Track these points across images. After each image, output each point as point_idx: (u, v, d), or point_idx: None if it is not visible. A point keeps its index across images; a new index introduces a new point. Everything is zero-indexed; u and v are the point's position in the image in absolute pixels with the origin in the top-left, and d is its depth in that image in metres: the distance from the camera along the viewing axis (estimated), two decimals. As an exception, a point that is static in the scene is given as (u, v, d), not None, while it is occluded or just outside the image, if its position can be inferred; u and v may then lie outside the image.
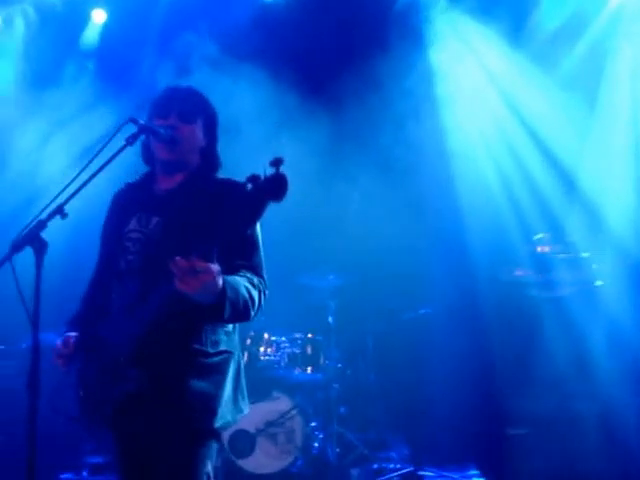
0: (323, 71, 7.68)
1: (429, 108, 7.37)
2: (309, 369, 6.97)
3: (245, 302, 3.24)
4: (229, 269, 3.21)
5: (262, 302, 3.39)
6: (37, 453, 3.02)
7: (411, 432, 7.23)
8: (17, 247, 3.11)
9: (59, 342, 3.53)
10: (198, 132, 3.58)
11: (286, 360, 6.92)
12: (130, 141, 3.31)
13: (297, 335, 7.05)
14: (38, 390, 3.07)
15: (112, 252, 3.56)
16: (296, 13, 7.68)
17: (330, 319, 7.11)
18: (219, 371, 3.40)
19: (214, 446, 3.42)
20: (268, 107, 7.33)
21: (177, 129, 3.48)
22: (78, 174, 3.20)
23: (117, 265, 3.50)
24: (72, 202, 3.19)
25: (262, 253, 3.50)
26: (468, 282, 7.08)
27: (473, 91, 7.48)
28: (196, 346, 3.35)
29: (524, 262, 7.12)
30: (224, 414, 3.39)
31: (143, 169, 3.72)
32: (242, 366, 3.57)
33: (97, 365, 3.40)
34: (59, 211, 3.15)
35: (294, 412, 6.65)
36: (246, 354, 6.76)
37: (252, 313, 3.32)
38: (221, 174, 3.65)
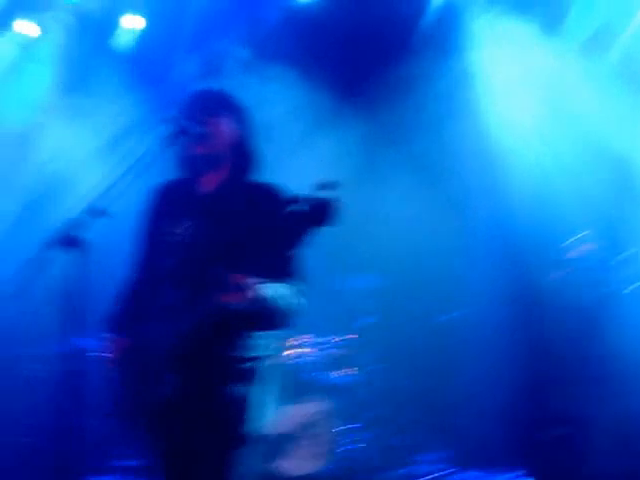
0: (356, 72, 7.68)
1: (464, 110, 7.33)
2: (344, 371, 6.96)
3: (286, 310, 3.30)
4: (271, 274, 3.23)
5: (301, 307, 3.42)
6: (65, 456, 3.04)
7: (448, 435, 7.20)
8: (55, 247, 3.14)
9: (107, 344, 3.58)
10: (227, 124, 3.61)
11: (321, 362, 6.91)
12: (167, 142, 3.36)
13: (332, 337, 7.03)
14: (73, 396, 3.11)
15: (155, 254, 3.60)
16: (328, 14, 7.67)
17: (366, 321, 7.11)
18: (255, 376, 3.44)
19: (248, 450, 3.44)
20: (301, 109, 7.36)
21: (205, 124, 3.52)
22: (118, 176, 3.25)
23: (159, 268, 3.54)
24: (112, 203, 3.23)
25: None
26: (503, 285, 7.04)
27: (511, 90, 7.44)
28: (234, 352, 3.39)
29: (567, 261, 7.07)
30: (258, 419, 3.42)
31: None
32: (276, 370, 3.59)
33: (137, 367, 3.44)
34: (100, 211, 3.19)
35: (328, 414, 6.65)
36: (282, 355, 6.77)
37: (292, 319, 3.38)
38: (259, 175, 3.68)
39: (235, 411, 3.38)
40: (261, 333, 3.47)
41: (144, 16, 7.93)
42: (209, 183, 3.62)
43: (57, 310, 3.10)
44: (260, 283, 3.10)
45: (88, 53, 7.94)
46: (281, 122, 7.24)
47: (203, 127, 3.51)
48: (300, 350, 6.86)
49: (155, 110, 7.28)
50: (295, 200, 2.88)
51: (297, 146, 7.25)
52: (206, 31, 7.78)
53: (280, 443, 6.51)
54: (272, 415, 3.52)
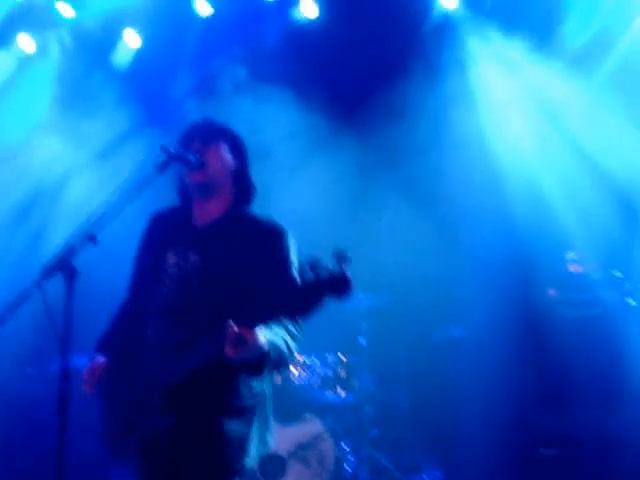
0: (352, 96, 7.71)
1: (459, 132, 7.33)
2: (341, 391, 6.93)
3: (284, 357, 3.31)
4: (268, 314, 3.20)
5: (296, 350, 3.44)
6: (65, 476, 3.04)
7: (444, 455, 7.19)
8: (48, 273, 3.15)
9: (87, 367, 3.57)
10: (224, 153, 3.61)
11: (318, 382, 6.87)
12: (161, 169, 3.36)
13: (329, 357, 6.99)
14: (67, 417, 3.10)
15: (148, 284, 3.59)
16: (325, 36, 7.69)
17: (362, 340, 7.10)
18: (252, 412, 3.46)
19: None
20: (297, 131, 7.37)
21: (202, 152, 3.52)
22: (110, 202, 3.24)
23: (152, 298, 3.53)
24: (105, 227, 3.23)
25: None
26: (500, 303, 7.02)
27: (507, 109, 7.45)
28: (233, 390, 3.40)
29: (557, 282, 7.06)
30: (254, 452, 3.44)
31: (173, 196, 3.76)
32: (270, 402, 3.61)
33: (127, 395, 3.44)
34: (91, 238, 3.18)
35: (326, 435, 6.61)
36: (278, 376, 6.75)
37: (288, 364, 3.39)
38: (255, 202, 3.69)
39: (232, 448, 3.38)
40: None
41: (142, 34, 7.93)
42: (207, 213, 3.61)
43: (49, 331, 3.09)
44: (261, 331, 3.11)
45: (86, 71, 7.94)
46: (277, 144, 7.26)
47: (201, 155, 3.51)
48: (295, 370, 6.84)
49: (154, 130, 7.30)
50: (314, 265, 2.86)
51: (293, 169, 7.25)
52: (204, 50, 7.79)
53: (276, 463, 6.49)
54: (263, 446, 3.52)
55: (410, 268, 7.10)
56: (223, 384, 3.37)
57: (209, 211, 3.61)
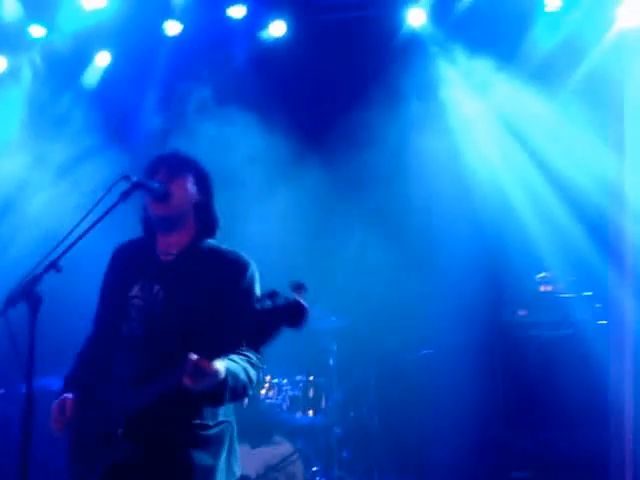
0: (316, 120, 7.76)
1: (420, 159, 7.36)
2: (311, 412, 6.92)
3: (244, 387, 3.32)
4: (230, 345, 3.20)
5: (259, 379, 3.46)
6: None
7: (415, 476, 7.19)
8: (11, 302, 3.14)
9: (55, 405, 3.54)
10: (189, 185, 3.61)
11: (287, 403, 6.87)
12: (124, 197, 3.36)
13: (298, 378, 7.00)
14: (30, 442, 3.10)
15: (114, 316, 3.60)
16: (293, 58, 7.71)
17: (332, 361, 7.10)
18: (218, 442, 3.47)
19: None
20: (262, 156, 7.38)
21: (167, 184, 3.52)
22: (72, 229, 3.24)
23: (119, 331, 3.54)
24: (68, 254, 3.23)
25: None
26: (470, 323, 7.05)
27: (475, 130, 7.50)
28: (197, 420, 3.40)
29: (527, 302, 7.10)
30: None
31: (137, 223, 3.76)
32: (235, 430, 3.60)
33: (92, 429, 3.43)
34: (53, 266, 3.18)
35: (295, 456, 6.59)
36: (247, 398, 6.73)
37: (249, 394, 3.40)
38: (220, 229, 3.70)
39: (195, 477, 3.37)
40: None
41: (112, 53, 7.93)
42: (171, 246, 3.61)
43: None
44: (221, 362, 3.12)
45: (56, 90, 7.92)
46: (241, 168, 7.27)
47: (165, 187, 3.51)
48: (265, 392, 6.83)
49: (122, 153, 7.29)
50: (272, 295, 2.89)
51: (258, 194, 7.26)
52: (171, 70, 7.80)
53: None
54: (231, 476, 3.52)
55: (379, 290, 7.13)
56: (187, 414, 3.37)
57: (173, 243, 3.61)
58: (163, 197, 3.50)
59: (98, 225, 3.29)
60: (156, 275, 3.55)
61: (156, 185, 3.47)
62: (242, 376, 3.29)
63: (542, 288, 7.11)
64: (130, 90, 7.84)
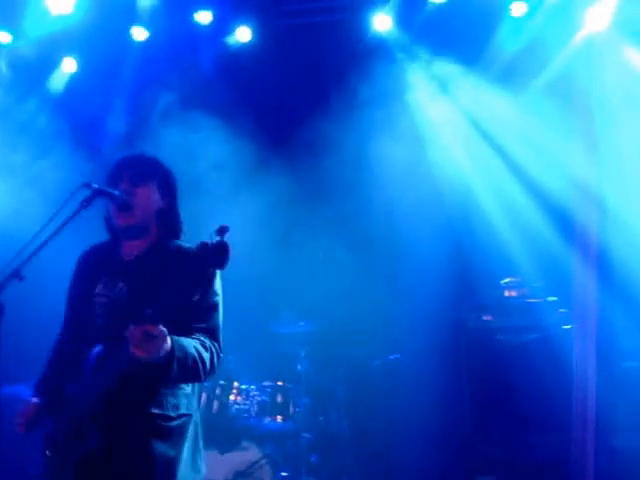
0: (282, 126, 7.78)
1: (385, 165, 7.37)
2: (279, 418, 6.91)
3: (194, 361, 3.34)
4: (185, 331, 3.29)
5: (215, 364, 3.49)
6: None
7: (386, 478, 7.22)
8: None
9: (20, 409, 3.60)
10: (153, 194, 3.65)
11: (256, 409, 6.86)
12: (84, 205, 3.37)
13: (267, 383, 7.00)
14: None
15: (80, 315, 3.64)
16: (258, 64, 7.73)
17: (300, 367, 7.11)
18: (180, 434, 3.49)
19: None
20: (227, 161, 7.39)
21: (130, 194, 3.54)
22: (34, 237, 3.25)
23: (85, 329, 3.58)
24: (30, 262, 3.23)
25: (220, 317, 3.58)
26: (436, 328, 7.09)
27: (441, 134, 7.54)
28: (157, 410, 3.43)
29: (493, 307, 7.13)
30: (184, 476, 3.46)
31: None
32: (200, 427, 3.65)
33: (64, 424, 3.45)
34: (15, 274, 3.18)
35: (264, 462, 6.59)
36: (216, 403, 6.72)
37: (202, 373, 3.41)
38: (184, 233, 3.74)
39: (160, 470, 3.40)
40: (184, 392, 3.54)
41: (78, 59, 7.89)
42: (135, 248, 3.65)
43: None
44: (166, 334, 3.14)
45: (21, 97, 7.86)
46: (206, 173, 7.28)
47: (128, 197, 3.54)
48: (233, 397, 6.82)
49: (84, 156, 7.26)
50: (202, 246, 3.00)
51: (223, 199, 7.26)
52: (137, 76, 7.78)
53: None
54: (195, 472, 3.55)
55: (346, 295, 7.15)
56: (147, 403, 3.40)
57: (136, 247, 3.66)
58: (126, 208, 3.53)
59: (62, 232, 3.30)
60: (119, 273, 3.60)
61: (117, 193, 3.49)
62: (191, 350, 3.33)
63: (507, 293, 7.14)
64: (96, 96, 7.80)
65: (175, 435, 3.46)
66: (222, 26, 7.73)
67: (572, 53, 6.96)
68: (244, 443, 6.66)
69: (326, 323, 7.12)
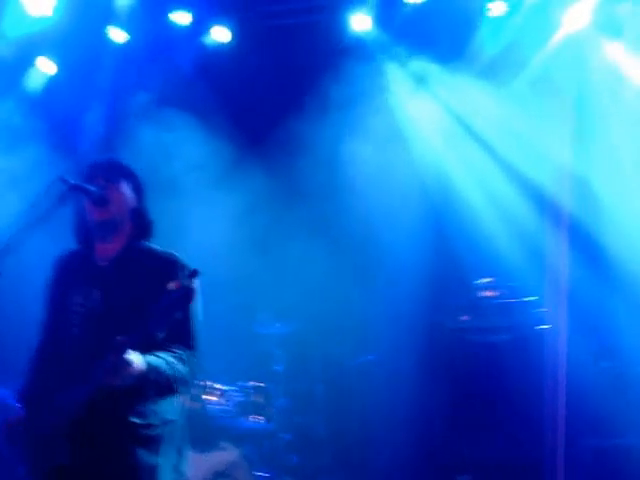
0: (258, 127, 7.78)
1: (353, 169, 7.39)
2: (257, 418, 6.93)
3: (168, 379, 3.36)
4: (161, 342, 3.29)
5: (194, 374, 3.51)
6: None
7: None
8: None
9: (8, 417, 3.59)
10: (126, 191, 3.66)
11: (233, 409, 6.85)
12: (60, 200, 3.37)
13: (245, 383, 6.99)
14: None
15: (57, 324, 3.64)
16: (236, 63, 7.76)
17: (277, 367, 7.13)
18: (162, 440, 3.50)
19: None
20: (204, 161, 7.40)
21: (105, 188, 3.56)
22: (10, 235, 3.25)
23: (62, 338, 3.58)
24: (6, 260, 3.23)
25: (198, 324, 3.59)
26: (413, 328, 7.12)
27: (423, 135, 7.57)
28: (138, 419, 3.43)
29: (469, 308, 7.17)
30: None
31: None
32: (183, 431, 3.66)
33: (40, 436, 3.44)
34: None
35: (242, 462, 6.58)
36: (193, 403, 6.71)
37: (177, 389, 3.43)
38: (157, 234, 3.75)
39: (138, 475, 3.41)
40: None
41: (56, 60, 7.87)
42: (108, 251, 3.66)
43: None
44: (137, 356, 3.17)
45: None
46: (183, 174, 7.29)
47: (103, 192, 3.55)
48: (210, 398, 6.82)
49: (61, 158, 7.24)
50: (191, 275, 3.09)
51: (200, 199, 7.27)
52: (116, 77, 7.77)
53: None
54: (179, 476, 3.58)
55: (323, 296, 7.15)
56: (126, 412, 3.40)
57: (110, 249, 3.66)
58: (101, 202, 3.54)
59: (38, 228, 3.31)
60: (94, 281, 3.60)
61: (93, 188, 3.50)
62: (164, 368, 3.33)
63: (483, 293, 7.18)
64: (74, 97, 7.78)
65: (157, 442, 3.47)
66: (200, 27, 7.74)
67: (554, 49, 7.03)
68: (222, 443, 6.63)
69: (304, 324, 7.14)
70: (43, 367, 3.71)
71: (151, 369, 3.25)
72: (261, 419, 6.93)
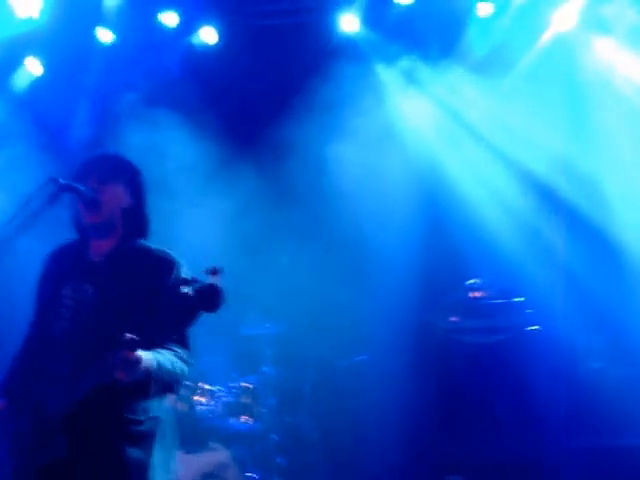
0: (248, 128, 7.78)
1: (342, 170, 7.42)
2: (246, 418, 6.92)
3: (171, 377, 3.37)
4: (158, 339, 3.31)
5: (186, 373, 3.50)
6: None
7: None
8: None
9: None
10: (120, 192, 3.63)
11: (222, 409, 6.85)
12: (52, 200, 3.35)
13: (233, 384, 6.99)
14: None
15: (47, 317, 3.60)
16: (223, 64, 7.77)
17: (267, 367, 7.12)
18: (151, 437, 3.49)
19: None
20: (194, 162, 7.40)
21: (97, 191, 3.53)
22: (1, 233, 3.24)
23: (51, 331, 3.55)
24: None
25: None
26: (403, 329, 7.13)
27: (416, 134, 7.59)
28: (128, 415, 3.42)
29: (459, 308, 7.18)
30: (156, 479, 3.45)
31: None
32: (172, 428, 3.69)
33: (29, 429, 3.42)
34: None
35: (231, 463, 6.56)
36: (182, 404, 6.70)
37: (176, 387, 3.45)
38: (151, 233, 3.73)
39: (132, 475, 3.39)
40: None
41: (44, 61, 7.85)
42: (102, 247, 3.63)
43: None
44: (146, 353, 3.17)
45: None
46: (174, 175, 7.28)
47: (96, 194, 3.52)
48: (200, 399, 6.81)
49: (50, 158, 7.22)
50: (187, 282, 2.98)
51: (190, 200, 7.26)
52: (104, 78, 7.76)
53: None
54: (167, 474, 3.56)
55: (313, 296, 7.14)
56: (117, 408, 3.38)
57: (104, 245, 3.64)
58: (93, 205, 3.52)
59: (29, 228, 3.30)
60: (87, 275, 3.57)
61: (83, 188, 3.48)
62: (169, 367, 3.34)
63: (472, 294, 7.19)
64: (62, 98, 7.76)
65: (145, 438, 3.46)
66: (188, 28, 7.75)
67: (543, 48, 7.14)
68: (211, 444, 6.62)
69: (293, 324, 7.13)
70: (29, 360, 3.67)
71: (159, 367, 3.26)
72: (250, 420, 6.92)
